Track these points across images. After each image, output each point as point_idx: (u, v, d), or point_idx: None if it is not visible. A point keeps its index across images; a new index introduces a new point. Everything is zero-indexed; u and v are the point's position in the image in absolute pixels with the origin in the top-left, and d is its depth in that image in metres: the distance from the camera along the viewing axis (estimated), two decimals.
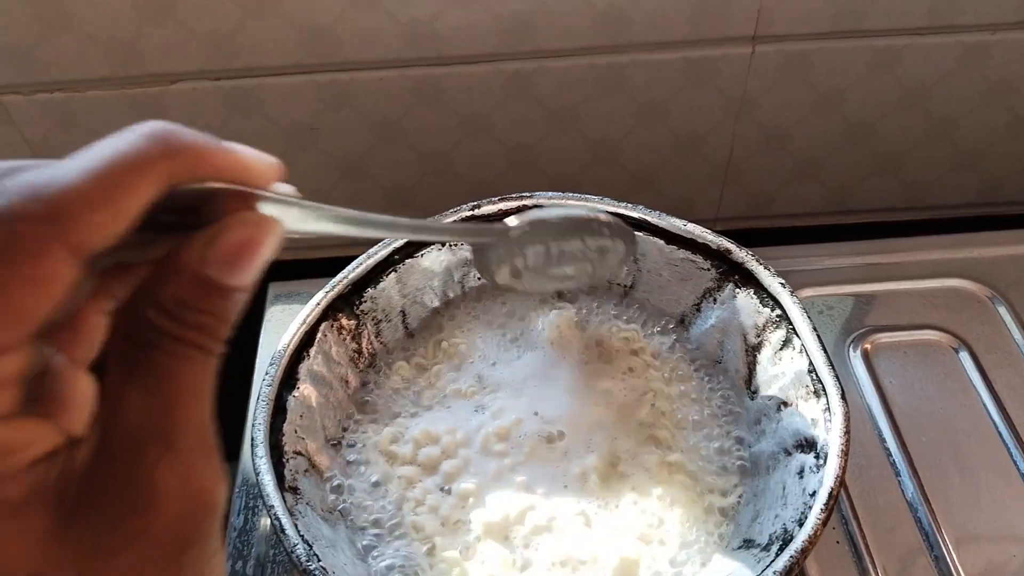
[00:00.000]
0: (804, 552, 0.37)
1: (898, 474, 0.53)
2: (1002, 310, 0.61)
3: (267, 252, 0.25)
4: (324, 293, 0.48)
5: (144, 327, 0.23)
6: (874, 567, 0.49)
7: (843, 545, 0.50)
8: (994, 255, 0.64)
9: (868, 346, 0.59)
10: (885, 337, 0.59)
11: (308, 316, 0.47)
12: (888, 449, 0.54)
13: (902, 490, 0.52)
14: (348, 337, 0.50)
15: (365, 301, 0.50)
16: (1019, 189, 0.73)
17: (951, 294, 0.62)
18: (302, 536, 0.38)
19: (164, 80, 0.63)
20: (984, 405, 0.56)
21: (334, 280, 0.49)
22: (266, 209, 0.25)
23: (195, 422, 0.23)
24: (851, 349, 0.59)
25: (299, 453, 0.44)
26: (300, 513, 0.41)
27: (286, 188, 0.27)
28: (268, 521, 0.51)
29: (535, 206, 0.53)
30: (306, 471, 0.44)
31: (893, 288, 0.62)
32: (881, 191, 0.74)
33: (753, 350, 0.49)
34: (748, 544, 0.42)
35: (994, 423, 0.55)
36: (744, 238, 0.52)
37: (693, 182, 0.73)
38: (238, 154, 0.25)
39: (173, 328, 0.23)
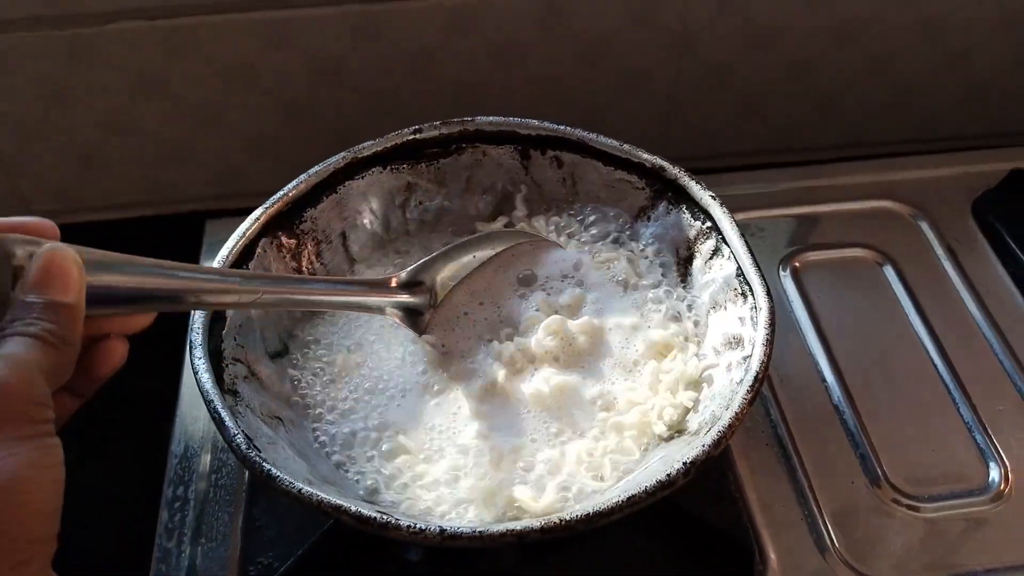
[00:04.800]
0: (731, 428, 0.39)
1: (824, 380, 0.55)
2: (924, 227, 0.64)
3: (73, 267, 0.32)
4: (263, 210, 0.49)
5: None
6: (802, 466, 0.51)
7: (772, 448, 0.52)
8: (915, 177, 0.67)
9: (798, 264, 0.61)
10: (814, 255, 0.62)
11: (247, 231, 0.48)
12: (815, 358, 0.56)
13: (829, 395, 0.54)
14: (288, 256, 0.50)
15: (305, 221, 0.51)
16: (953, 126, 0.76)
17: (876, 214, 0.65)
18: (241, 428, 0.39)
19: (99, 20, 0.62)
20: (907, 314, 0.58)
21: (273, 198, 0.50)
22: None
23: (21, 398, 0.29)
24: (781, 268, 0.61)
25: (238, 360, 0.45)
26: (240, 413, 0.41)
27: None
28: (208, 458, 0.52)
29: (476, 130, 0.54)
30: (245, 378, 0.44)
31: (821, 210, 0.65)
32: (821, 128, 0.76)
33: (685, 262, 0.51)
34: (680, 434, 0.44)
35: (916, 331, 0.57)
36: None
37: (639, 121, 0.74)
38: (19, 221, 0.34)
39: (19, 326, 0.30)
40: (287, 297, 0.43)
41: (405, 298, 0.48)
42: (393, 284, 0.48)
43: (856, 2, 0.67)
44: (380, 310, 0.47)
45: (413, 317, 0.49)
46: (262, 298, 0.41)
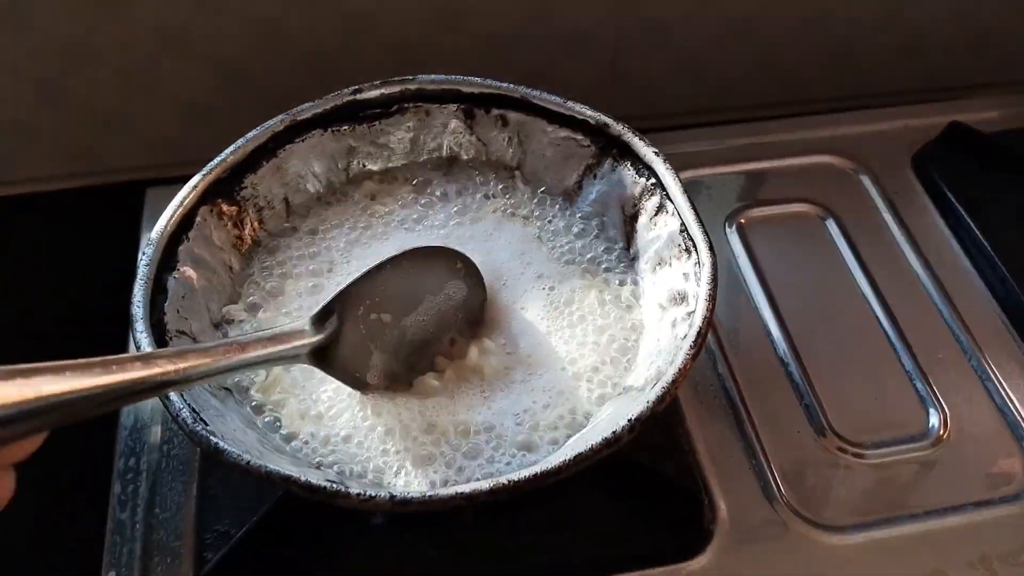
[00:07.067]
0: (675, 383, 0.39)
1: (769, 334, 0.56)
2: (865, 181, 0.65)
3: None
4: (201, 176, 0.48)
5: None
6: (749, 418, 0.52)
7: (720, 401, 0.53)
8: (856, 132, 0.68)
9: (743, 220, 0.62)
10: (758, 211, 0.62)
11: (186, 199, 0.47)
12: (761, 312, 0.57)
13: (774, 347, 0.55)
14: (229, 223, 0.49)
15: (245, 187, 0.50)
16: (891, 81, 0.77)
17: (818, 169, 0.65)
18: (187, 402, 0.39)
19: None
20: (849, 267, 0.59)
21: (211, 164, 0.48)
22: None
23: None
24: (727, 225, 0.62)
25: (183, 332, 0.44)
26: None
27: None
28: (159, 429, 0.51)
29: (418, 88, 0.53)
30: None
31: (765, 167, 0.65)
32: (762, 85, 0.76)
33: (631, 219, 0.51)
34: (627, 390, 0.44)
35: (858, 284, 0.58)
36: None
37: (583, 82, 0.73)
38: None
39: None
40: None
41: (319, 338, 0.41)
42: (305, 328, 0.41)
43: None
44: (294, 359, 0.41)
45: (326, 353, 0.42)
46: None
